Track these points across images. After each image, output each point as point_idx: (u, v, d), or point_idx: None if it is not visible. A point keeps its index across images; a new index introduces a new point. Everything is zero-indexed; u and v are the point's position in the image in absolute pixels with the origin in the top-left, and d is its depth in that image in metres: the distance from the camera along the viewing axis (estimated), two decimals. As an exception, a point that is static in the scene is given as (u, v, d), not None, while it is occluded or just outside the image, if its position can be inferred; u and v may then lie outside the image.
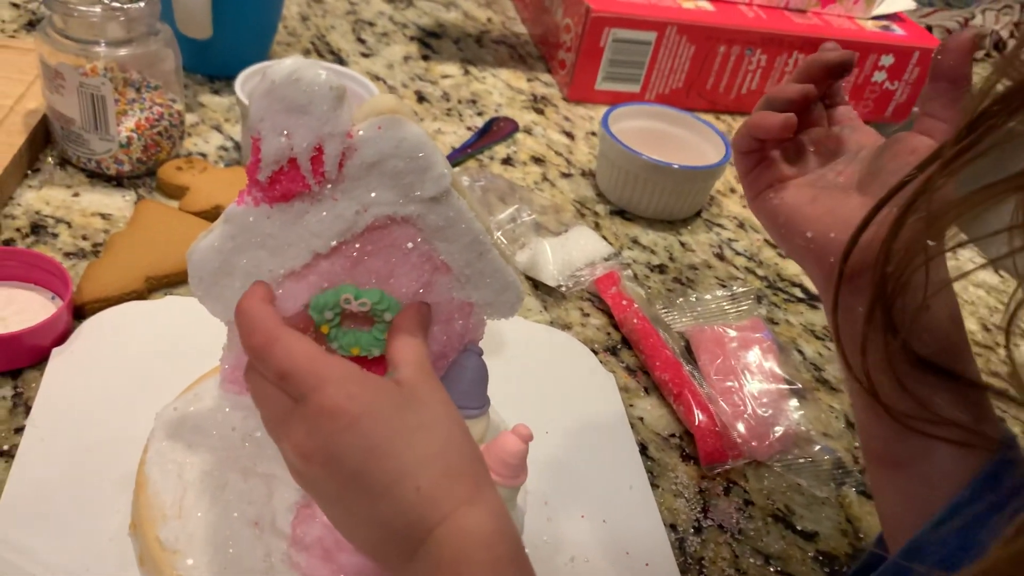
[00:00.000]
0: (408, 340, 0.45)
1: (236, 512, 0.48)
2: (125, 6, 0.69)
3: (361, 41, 1.04)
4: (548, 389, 0.65)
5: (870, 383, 0.44)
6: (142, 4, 0.69)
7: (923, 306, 0.43)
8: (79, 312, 0.61)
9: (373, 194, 0.44)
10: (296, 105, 0.40)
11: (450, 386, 0.50)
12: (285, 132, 0.41)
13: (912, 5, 1.13)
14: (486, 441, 0.51)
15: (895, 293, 0.41)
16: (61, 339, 0.58)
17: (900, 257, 0.41)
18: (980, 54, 1.39)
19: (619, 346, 0.71)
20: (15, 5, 0.93)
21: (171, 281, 0.65)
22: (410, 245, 0.46)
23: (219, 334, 0.52)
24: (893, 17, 1.13)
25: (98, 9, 0.68)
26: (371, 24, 1.08)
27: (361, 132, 0.42)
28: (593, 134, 0.97)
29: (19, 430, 0.53)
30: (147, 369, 0.58)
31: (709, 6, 1.04)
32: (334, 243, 0.45)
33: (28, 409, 0.54)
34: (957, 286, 0.49)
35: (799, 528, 0.60)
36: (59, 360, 0.57)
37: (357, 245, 0.45)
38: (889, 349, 0.43)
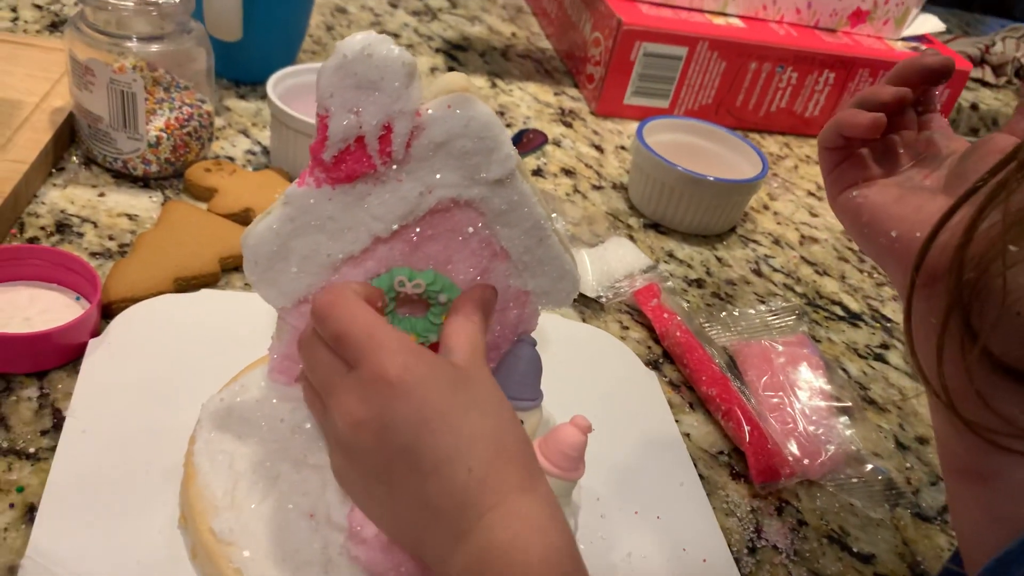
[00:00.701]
0: (464, 323, 0.43)
1: (291, 504, 0.46)
2: (159, 1, 0.67)
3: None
4: (591, 387, 0.63)
5: (947, 395, 0.42)
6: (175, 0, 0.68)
7: (1004, 313, 0.41)
8: (106, 311, 0.59)
9: (439, 175, 0.42)
10: (368, 81, 0.39)
11: (504, 376, 0.48)
12: (355, 109, 0.39)
13: (941, 27, 1.12)
14: (539, 435, 0.49)
15: (971, 301, 0.39)
16: (86, 339, 0.56)
17: (976, 263, 0.39)
18: (1002, 80, 1.39)
19: (661, 360, 0.68)
20: (38, 6, 0.91)
21: (200, 283, 0.63)
22: (471, 230, 0.44)
23: (257, 326, 0.51)
24: (921, 39, 1.12)
25: (131, 3, 0.66)
26: (396, 36, 1.07)
27: (431, 111, 0.40)
28: (623, 148, 0.96)
29: (44, 432, 0.50)
30: (185, 360, 0.56)
31: (740, 23, 1.03)
32: (395, 227, 0.43)
33: (55, 411, 0.52)
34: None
35: (855, 550, 0.57)
36: (96, 352, 0.55)
37: (418, 229, 0.44)
38: (967, 359, 0.41)
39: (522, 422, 0.49)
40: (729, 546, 0.54)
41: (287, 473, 0.47)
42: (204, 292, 0.63)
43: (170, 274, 0.62)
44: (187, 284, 0.62)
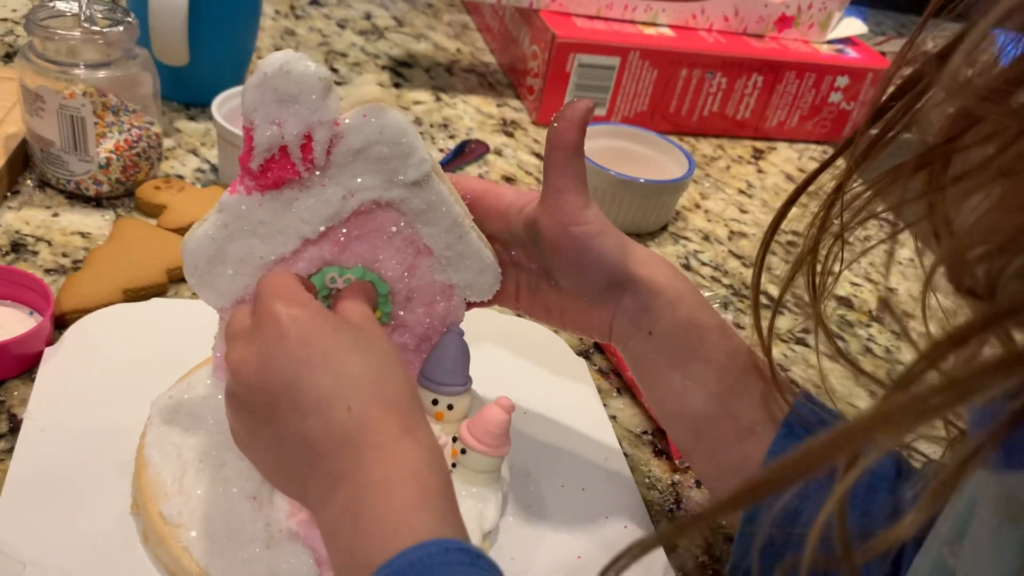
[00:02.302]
0: (353, 301, 0.48)
1: (235, 488, 0.49)
2: (104, 30, 0.71)
3: (334, 71, 1.07)
4: (525, 374, 0.68)
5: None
6: (120, 28, 0.72)
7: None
8: (59, 322, 0.62)
9: (359, 179, 0.46)
10: (287, 95, 0.43)
11: (435, 364, 0.53)
12: (276, 121, 0.43)
13: (864, 30, 1.18)
14: (470, 417, 0.54)
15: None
16: (40, 350, 0.59)
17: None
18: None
19: (591, 350, 0.73)
20: (-8, 38, 0.95)
21: (148, 293, 0.67)
22: (394, 229, 0.48)
23: (204, 331, 0.54)
24: (847, 41, 1.18)
25: (77, 32, 0.70)
26: (343, 55, 1.11)
27: (348, 120, 0.45)
28: (561, 155, 1.00)
29: (1, 436, 0.54)
30: (138, 364, 0.60)
31: (670, 32, 1.08)
32: (322, 228, 0.47)
33: (11, 416, 0.55)
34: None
35: (770, 517, 0.62)
36: (52, 359, 0.59)
37: (344, 230, 0.48)
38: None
39: (451, 406, 0.54)
40: (649, 515, 0.58)
41: (232, 461, 0.51)
42: (154, 301, 0.66)
43: (120, 285, 0.65)
44: (136, 295, 0.66)
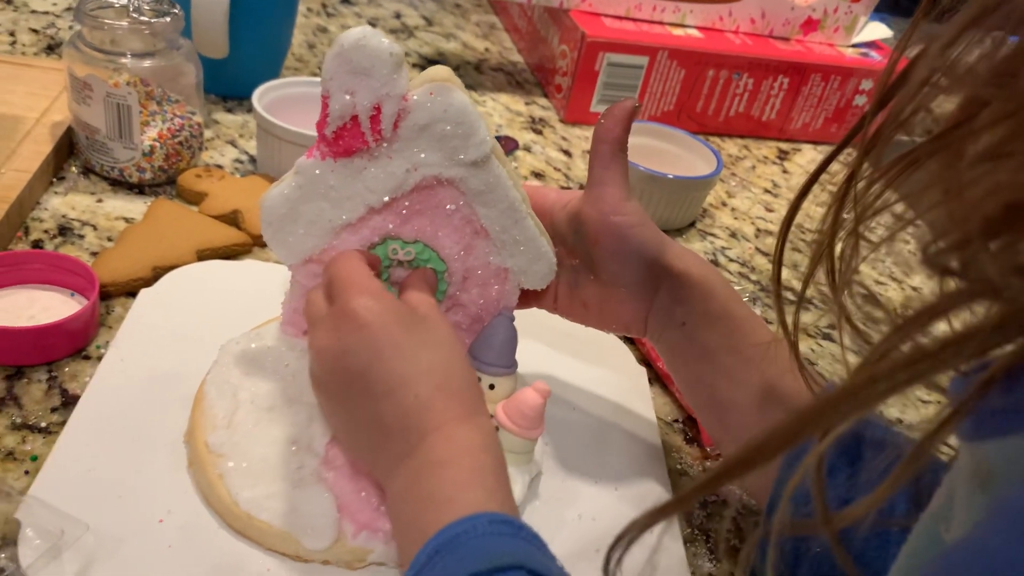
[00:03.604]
0: (419, 292, 0.51)
1: (278, 431, 0.53)
2: (151, 20, 0.73)
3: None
4: (574, 365, 0.69)
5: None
6: (167, 19, 0.73)
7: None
8: (95, 297, 0.64)
9: (422, 155, 0.49)
10: (360, 68, 0.45)
11: (483, 344, 0.55)
12: (350, 91, 0.46)
13: (889, 34, 1.19)
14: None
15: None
16: (89, 329, 0.61)
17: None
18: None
19: (624, 340, 0.74)
20: (34, 31, 0.97)
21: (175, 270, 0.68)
22: (452, 207, 0.51)
23: (283, 291, 0.59)
24: (871, 45, 1.19)
25: (124, 22, 0.72)
26: (374, 52, 1.12)
27: (415, 96, 0.47)
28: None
29: (54, 410, 0.55)
30: (220, 314, 0.64)
31: (697, 33, 1.09)
32: (386, 199, 0.50)
33: (63, 391, 0.57)
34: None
35: (799, 505, 0.63)
36: (144, 300, 0.64)
37: (406, 203, 0.50)
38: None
39: (493, 386, 0.55)
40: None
41: (280, 407, 0.54)
42: (247, 261, 0.71)
43: (149, 263, 0.67)
44: (164, 272, 0.68)
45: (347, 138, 0.48)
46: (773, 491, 0.50)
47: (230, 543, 0.49)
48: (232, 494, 0.50)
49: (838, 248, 0.45)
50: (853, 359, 0.75)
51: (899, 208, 0.42)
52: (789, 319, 0.51)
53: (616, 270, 0.55)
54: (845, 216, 0.44)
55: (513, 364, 0.56)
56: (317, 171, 0.50)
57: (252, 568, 0.48)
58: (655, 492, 0.60)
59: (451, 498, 0.42)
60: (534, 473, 0.56)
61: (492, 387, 0.55)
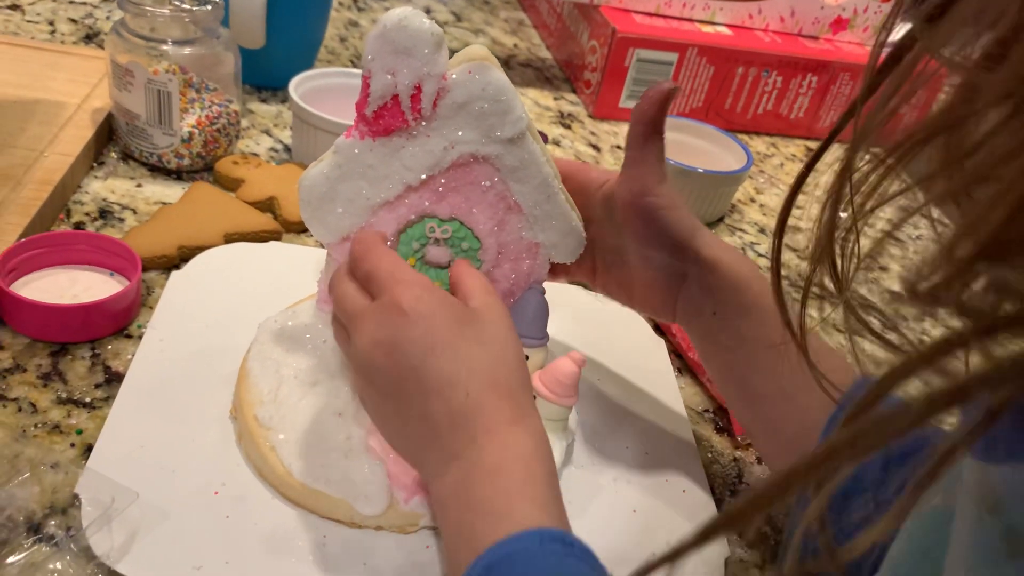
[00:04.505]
0: (470, 271, 0.50)
1: (323, 403, 0.54)
2: (192, 8, 0.74)
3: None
4: (604, 344, 0.70)
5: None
6: (208, 7, 0.74)
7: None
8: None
9: (460, 132, 0.49)
10: (402, 47, 0.46)
11: (516, 316, 0.56)
12: (391, 71, 0.47)
13: (918, 34, 1.19)
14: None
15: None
16: (132, 308, 0.62)
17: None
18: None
19: (655, 330, 0.74)
20: (73, 20, 0.98)
21: (200, 251, 0.69)
22: (487, 183, 0.52)
23: (311, 272, 0.62)
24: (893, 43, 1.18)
25: (167, 10, 0.73)
26: (404, 46, 1.13)
27: (454, 75, 0.48)
28: (618, 147, 1.02)
29: (98, 386, 0.56)
30: (250, 295, 0.65)
31: (727, 30, 1.09)
32: (423, 176, 0.51)
33: (106, 368, 0.58)
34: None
35: (829, 496, 0.63)
36: (176, 281, 0.66)
37: (443, 180, 0.51)
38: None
39: (527, 357, 0.56)
40: (713, 489, 0.60)
41: (324, 381, 0.55)
42: (273, 244, 0.72)
43: (175, 242, 0.68)
44: (189, 253, 0.69)
45: (387, 117, 0.49)
46: (788, 522, 0.50)
47: (285, 513, 0.51)
48: (286, 465, 0.51)
49: (843, 244, 0.41)
50: (884, 355, 0.75)
51: (902, 200, 0.39)
52: (815, 314, 0.48)
53: (644, 253, 0.55)
54: (842, 214, 0.40)
55: (545, 336, 0.57)
56: (356, 150, 0.50)
57: (309, 535, 0.50)
58: (684, 455, 0.62)
59: (504, 510, 0.41)
60: (569, 440, 0.58)
61: (527, 358, 0.56)
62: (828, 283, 0.42)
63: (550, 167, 0.53)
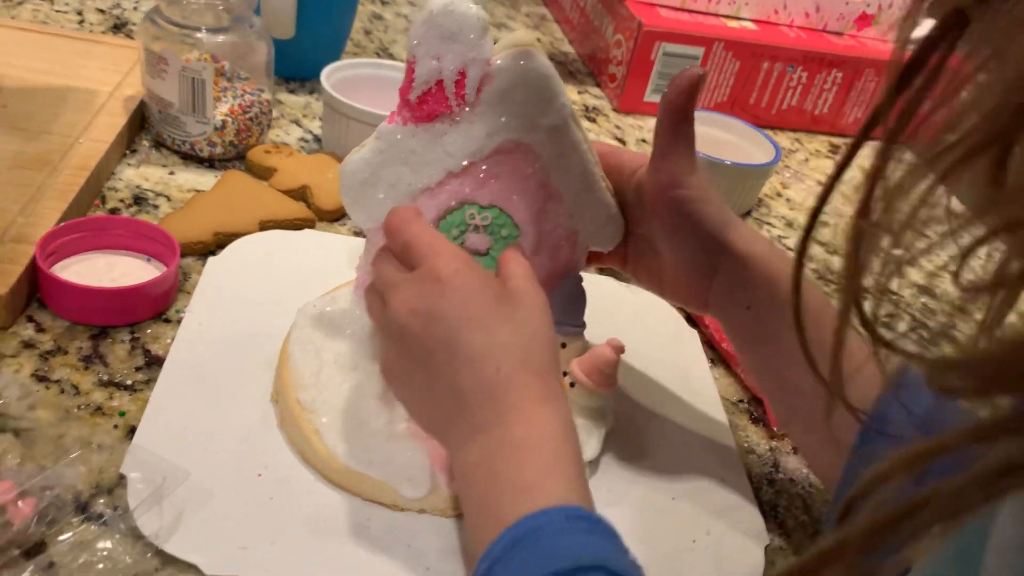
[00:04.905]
0: (516, 255, 0.50)
1: (364, 388, 0.54)
2: (227, -3, 0.74)
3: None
4: (639, 334, 0.70)
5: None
6: (242, -4, 0.75)
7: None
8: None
9: (503, 119, 0.49)
10: (448, 32, 0.46)
11: (554, 305, 0.55)
12: (437, 56, 0.47)
13: (942, 31, 1.19)
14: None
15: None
16: (171, 293, 0.62)
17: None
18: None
19: (687, 321, 0.74)
20: (101, 11, 0.99)
21: (236, 238, 0.69)
22: (529, 171, 0.51)
23: (347, 260, 0.62)
24: (919, 39, 1.18)
25: (202, -1, 0.73)
26: (429, 39, 1.13)
27: (499, 61, 0.48)
28: (644, 141, 1.02)
29: (139, 368, 0.57)
30: (286, 282, 0.65)
31: (752, 25, 1.09)
32: (465, 163, 0.50)
33: (146, 352, 0.58)
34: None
35: (865, 486, 0.63)
36: (213, 267, 0.66)
37: (484, 167, 0.51)
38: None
39: (564, 344, 0.56)
40: (750, 478, 0.60)
41: (364, 365, 0.55)
42: (308, 232, 0.72)
43: (211, 228, 0.68)
44: (225, 239, 0.69)
45: (431, 103, 0.49)
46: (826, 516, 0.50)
47: (329, 495, 0.51)
48: (329, 448, 0.51)
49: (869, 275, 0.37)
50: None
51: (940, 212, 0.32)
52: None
53: (674, 244, 0.54)
54: (871, 221, 0.36)
55: (583, 323, 0.57)
56: (398, 136, 0.50)
57: (353, 518, 0.50)
58: (720, 442, 0.62)
59: (531, 486, 0.41)
60: (608, 428, 0.57)
61: (564, 345, 0.56)
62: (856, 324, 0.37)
63: (591, 154, 0.53)
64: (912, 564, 0.31)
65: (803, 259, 0.43)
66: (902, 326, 0.76)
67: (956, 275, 0.33)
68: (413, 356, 0.46)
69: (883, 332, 0.37)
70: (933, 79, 0.34)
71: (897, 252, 0.35)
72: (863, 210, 0.36)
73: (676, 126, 0.51)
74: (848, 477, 0.49)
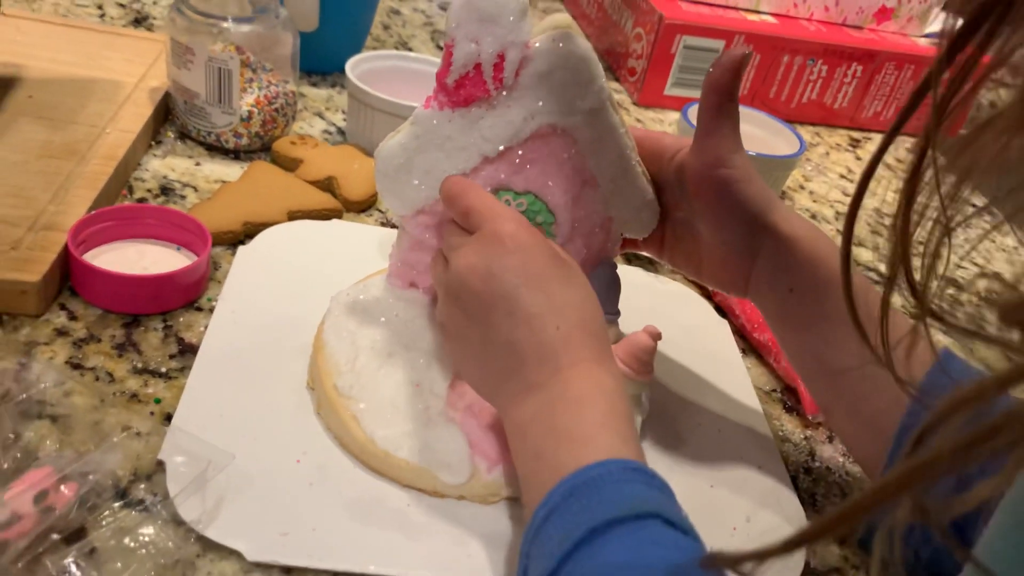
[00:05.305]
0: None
1: (400, 374, 0.53)
2: (253, -14, 0.74)
3: (440, 48, 1.09)
4: (670, 324, 0.68)
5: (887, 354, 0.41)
6: (269, -15, 0.74)
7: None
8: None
9: (540, 103, 0.49)
10: (487, 14, 0.46)
11: None
12: (475, 39, 0.46)
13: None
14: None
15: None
16: (202, 281, 0.62)
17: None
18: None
19: (717, 312, 0.74)
20: (121, 4, 0.98)
21: (265, 228, 0.69)
22: (565, 156, 0.51)
23: (378, 249, 0.63)
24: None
25: (228, -12, 0.73)
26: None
27: (538, 44, 0.47)
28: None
29: (172, 356, 0.56)
30: (319, 270, 0.65)
31: (772, 19, 1.09)
32: (501, 148, 0.50)
33: (179, 339, 0.58)
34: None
35: (901, 475, 0.62)
36: (244, 256, 0.65)
37: (520, 152, 0.50)
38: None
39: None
40: (786, 466, 0.59)
41: (399, 352, 0.55)
42: (334, 221, 0.72)
43: (240, 218, 0.68)
44: (254, 229, 0.69)
45: (468, 86, 0.49)
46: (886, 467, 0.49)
47: (368, 481, 0.50)
48: (368, 433, 0.50)
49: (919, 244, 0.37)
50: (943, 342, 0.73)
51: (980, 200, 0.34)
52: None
53: (716, 226, 0.54)
54: (915, 216, 0.36)
55: (617, 311, 0.56)
56: (435, 121, 0.50)
57: (392, 503, 0.49)
58: (756, 430, 0.62)
59: (588, 437, 0.42)
60: (644, 416, 0.57)
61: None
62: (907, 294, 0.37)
63: (628, 139, 0.52)
64: (974, 507, 0.30)
65: (851, 235, 0.42)
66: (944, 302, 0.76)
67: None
68: (471, 313, 0.46)
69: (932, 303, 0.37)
70: (984, 47, 0.33)
71: (943, 221, 0.35)
72: (912, 177, 0.35)
73: (720, 106, 0.51)
74: (896, 455, 0.49)
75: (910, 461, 0.28)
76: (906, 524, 0.30)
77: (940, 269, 0.36)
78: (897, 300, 0.40)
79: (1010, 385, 0.28)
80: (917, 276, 0.36)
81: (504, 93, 0.49)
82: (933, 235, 0.35)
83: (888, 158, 0.38)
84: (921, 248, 0.36)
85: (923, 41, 1.15)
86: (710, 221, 0.54)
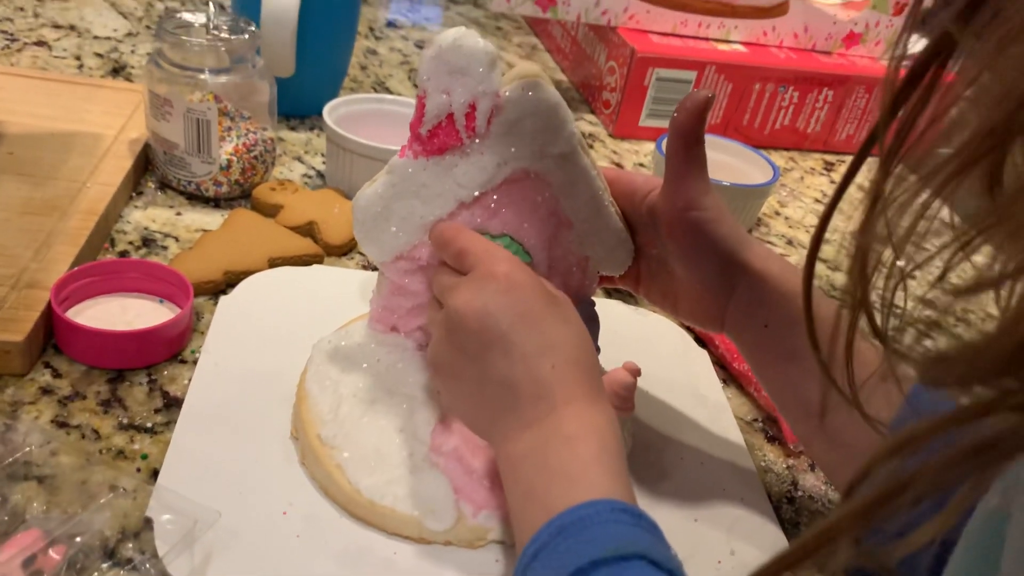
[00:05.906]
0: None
1: (384, 421, 0.54)
2: (229, 38, 0.75)
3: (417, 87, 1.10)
4: (650, 358, 0.70)
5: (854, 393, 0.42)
6: (244, 36, 0.75)
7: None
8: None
9: (513, 149, 0.50)
10: (457, 67, 0.47)
11: None
12: (447, 90, 0.47)
13: (928, 47, 1.20)
14: None
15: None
16: (186, 333, 0.62)
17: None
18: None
19: (697, 343, 0.75)
20: (99, 55, 0.99)
21: (246, 276, 0.70)
22: (539, 199, 0.52)
23: (358, 294, 0.63)
24: (911, 58, 1.20)
25: (204, 40, 0.74)
26: (423, 72, 1.15)
27: (508, 93, 0.48)
28: (641, 165, 1.03)
29: (158, 410, 0.57)
30: (299, 318, 0.66)
31: (743, 48, 1.11)
32: (476, 193, 0.51)
33: (164, 393, 0.58)
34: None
35: (883, 500, 0.63)
36: (225, 308, 0.66)
37: (495, 196, 0.52)
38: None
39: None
40: (769, 496, 0.60)
41: (382, 398, 0.55)
42: (314, 267, 0.73)
43: (221, 267, 0.69)
44: (235, 277, 0.69)
45: (441, 136, 0.50)
46: None
47: (354, 530, 0.51)
48: (352, 483, 0.51)
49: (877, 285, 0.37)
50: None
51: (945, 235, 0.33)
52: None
53: (691, 265, 0.55)
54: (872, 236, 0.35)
55: (597, 348, 0.57)
56: (410, 170, 0.51)
57: (379, 553, 0.50)
58: (738, 462, 0.62)
59: (579, 476, 0.43)
60: (627, 449, 0.58)
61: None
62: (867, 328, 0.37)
63: (600, 181, 0.54)
64: (919, 548, 0.31)
65: (811, 276, 0.44)
66: (907, 338, 0.77)
67: (941, 278, 0.34)
68: (466, 350, 0.47)
69: (895, 343, 0.36)
70: (927, 96, 0.35)
71: (900, 264, 0.35)
72: (865, 226, 0.36)
73: (688, 149, 0.53)
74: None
75: (842, 507, 0.29)
76: (849, 568, 0.30)
77: (902, 305, 0.36)
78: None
79: (925, 438, 0.29)
80: (879, 317, 0.37)
81: (477, 141, 0.50)
82: (889, 283, 0.35)
83: (861, 178, 0.39)
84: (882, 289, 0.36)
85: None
86: (684, 261, 0.55)
